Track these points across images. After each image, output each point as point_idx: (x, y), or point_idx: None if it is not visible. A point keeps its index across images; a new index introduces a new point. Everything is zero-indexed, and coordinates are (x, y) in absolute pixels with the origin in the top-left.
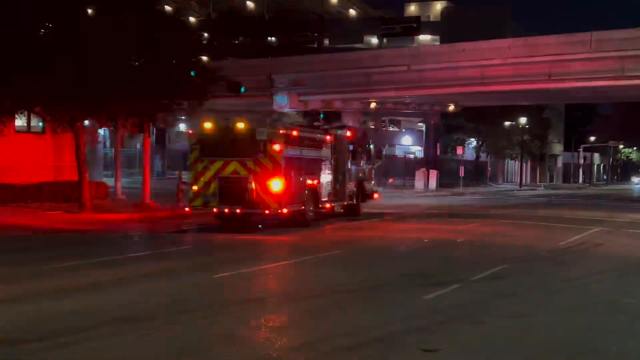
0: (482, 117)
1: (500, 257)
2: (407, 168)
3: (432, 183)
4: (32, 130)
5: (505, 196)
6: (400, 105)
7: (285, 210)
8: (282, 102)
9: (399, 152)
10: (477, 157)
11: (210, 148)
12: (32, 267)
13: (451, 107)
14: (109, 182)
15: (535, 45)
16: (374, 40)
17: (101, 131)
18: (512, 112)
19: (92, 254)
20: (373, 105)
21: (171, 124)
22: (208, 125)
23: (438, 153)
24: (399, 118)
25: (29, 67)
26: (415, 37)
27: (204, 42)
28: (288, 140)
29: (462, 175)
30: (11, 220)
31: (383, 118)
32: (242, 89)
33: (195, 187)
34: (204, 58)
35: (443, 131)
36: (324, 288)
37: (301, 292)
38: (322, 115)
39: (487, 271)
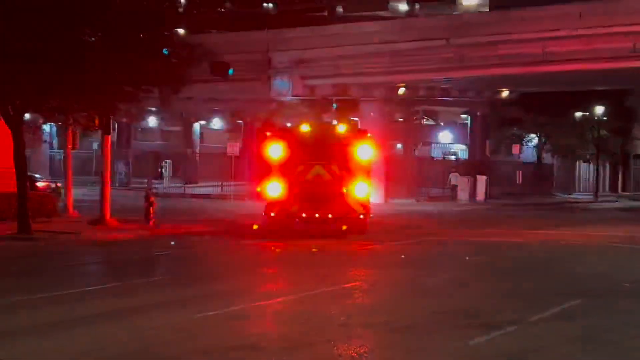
0: (544, 106)
1: (568, 289)
2: (447, 173)
3: (480, 192)
4: None
5: (573, 209)
6: (437, 91)
7: (371, 216)
8: (283, 88)
9: (436, 152)
10: (539, 158)
11: (291, 151)
12: None
13: (504, 94)
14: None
15: (615, 11)
16: (403, 7)
17: (46, 127)
18: (585, 100)
19: (36, 287)
20: (401, 91)
21: (137, 118)
22: (288, 126)
23: (487, 153)
24: (436, 108)
25: None
26: (457, 2)
27: (180, 10)
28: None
29: (520, 181)
30: None
31: (415, 108)
32: (231, 72)
33: (274, 194)
34: (181, 31)
35: (494, 125)
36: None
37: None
38: (335, 105)
39: (551, 308)
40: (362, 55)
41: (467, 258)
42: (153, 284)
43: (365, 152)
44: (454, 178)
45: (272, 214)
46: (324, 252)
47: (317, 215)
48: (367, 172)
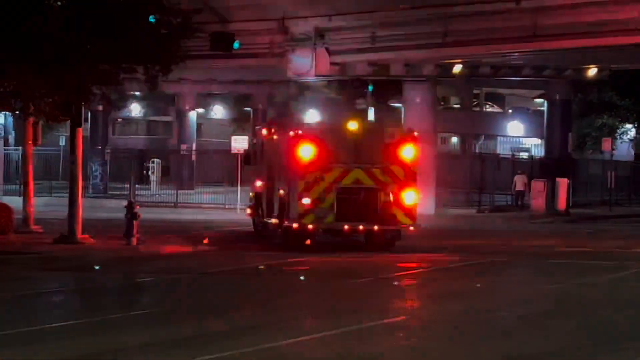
0: None
1: None
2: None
3: (561, 200)
4: None
5: None
6: (503, 69)
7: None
8: (304, 65)
9: (503, 147)
10: (638, 156)
11: (325, 153)
12: None
13: (591, 72)
14: (15, 202)
15: None
16: None
17: (0, 118)
18: None
19: None
20: (457, 69)
21: (116, 105)
22: (322, 124)
23: (570, 149)
24: (503, 91)
25: None
26: None
27: None
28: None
29: (612, 186)
30: None
31: (475, 90)
32: (236, 45)
33: (306, 201)
34: None
35: (578, 113)
36: None
37: None
38: (371, 88)
39: None
40: (406, 23)
41: (549, 286)
42: (135, 319)
43: (412, 153)
44: (520, 181)
45: (306, 225)
46: (360, 274)
47: (360, 227)
48: (414, 176)
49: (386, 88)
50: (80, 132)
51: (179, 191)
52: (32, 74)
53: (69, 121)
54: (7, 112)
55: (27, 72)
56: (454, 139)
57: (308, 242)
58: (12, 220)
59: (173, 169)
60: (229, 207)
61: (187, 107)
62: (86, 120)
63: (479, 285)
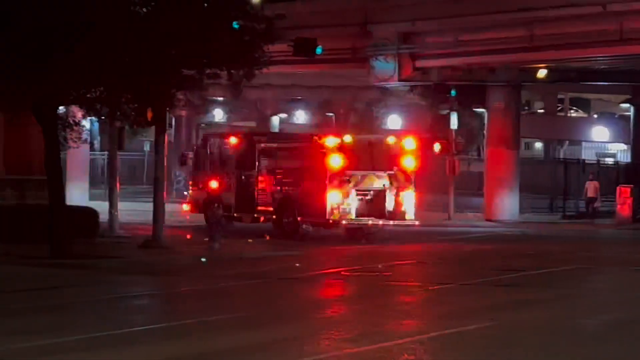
0: None
1: None
2: (606, 183)
3: None
4: None
5: None
6: (589, 74)
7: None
8: (387, 71)
9: (588, 152)
10: None
11: (348, 160)
12: None
13: None
14: (101, 207)
15: None
16: None
17: (86, 123)
18: None
19: (70, 325)
20: (542, 74)
21: (200, 110)
22: (347, 138)
23: None
24: (588, 96)
25: None
26: None
27: None
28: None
29: None
30: None
31: (560, 95)
32: (319, 50)
33: (335, 202)
34: (255, 0)
35: None
36: None
37: None
38: (454, 93)
39: None
40: (490, 27)
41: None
42: (212, 324)
43: (410, 162)
44: (592, 188)
45: (335, 220)
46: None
47: (380, 222)
48: (412, 180)
49: (469, 93)
50: (165, 138)
51: None
52: (117, 80)
53: (153, 126)
54: (93, 118)
55: (112, 78)
56: (538, 144)
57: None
58: (98, 224)
59: None
60: None
61: (269, 112)
62: (170, 125)
63: (563, 291)
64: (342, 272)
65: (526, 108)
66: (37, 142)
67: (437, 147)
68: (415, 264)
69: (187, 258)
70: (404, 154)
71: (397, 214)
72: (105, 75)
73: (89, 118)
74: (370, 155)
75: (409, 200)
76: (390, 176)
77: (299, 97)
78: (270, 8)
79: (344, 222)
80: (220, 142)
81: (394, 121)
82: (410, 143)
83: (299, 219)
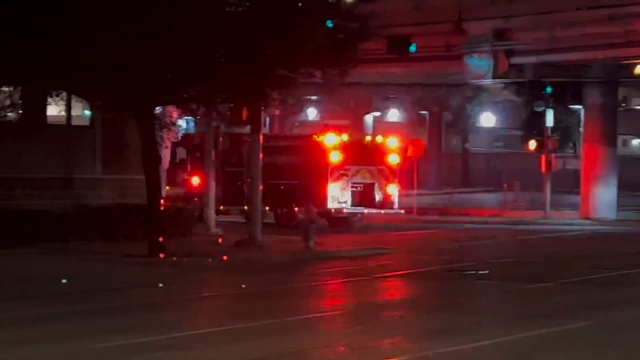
0: None
1: None
2: None
3: None
4: (72, 121)
5: None
6: None
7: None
8: (481, 68)
9: None
10: None
11: (344, 157)
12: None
13: None
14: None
15: None
16: None
17: (182, 123)
18: None
19: (168, 323)
20: (639, 69)
21: (294, 109)
22: (344, 137)
23: None
24: None
25: (70, 24)
26: None
27: None
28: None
29: None
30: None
31: None
32: (412, 48)
33: (335, 193)
34: None
35: None
36: None
37: None
38: (549, 90)
39: None
40: (585, 23)
41: None
42: (313, 320)
43: (394, 158)
44: None
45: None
46: (540, 278)
47: (373, 210)
48: (396, 175)
49: (565, 90)
50: (260, 137)
51: None
52: (213, 80)
53: (248, 125)
54: (189, 118)
55: (208, 78)
56: (635, 142)
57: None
58: (194, 223)
59: None
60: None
61: (362, 111)
62: (264, 124)
63: None
64: (432, 270)
65: (623, 105)
66: (135, 142)
67: (532, 144)
68: (511, 263)
69: (282, 256)
70: (389, 152)
71: (386, 204)
72: (201, 76)
73: (184, 118)
74: (362, 153)
75: (394, 192)
76: (378, 171)
77: (393, 95)
78: (363, 7)
79: (345, 210)
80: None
81: (488, 118)
82: (394, 142)
83: (295, 209)
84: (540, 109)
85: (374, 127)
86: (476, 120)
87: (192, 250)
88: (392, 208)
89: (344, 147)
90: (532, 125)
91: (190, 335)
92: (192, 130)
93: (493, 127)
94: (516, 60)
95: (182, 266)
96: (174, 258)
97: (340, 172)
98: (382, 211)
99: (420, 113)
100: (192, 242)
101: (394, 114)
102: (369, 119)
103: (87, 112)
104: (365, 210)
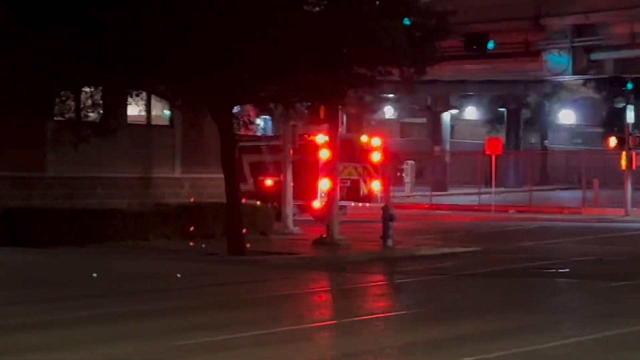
0: None
1: None
2: None
3: None
4: (152, 121)
5: None
6: None
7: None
8: (559, 65)
9: None
10: None
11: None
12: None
13: None
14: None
15: None
16: None
17: (260, 121)
18: None
19: (248, 322)
20: None
21: (371, 108)
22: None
23: None
24: None
25: (151, 25)
26: None
27: None
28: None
29: None
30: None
31: None
32: (490, 45)
33: (324, 187)
34: None
35: None
36: None
37: None
38: (629, 86)
39: None
40: None
41: None
42: (395, 320)
43: (376, 157)
44: None
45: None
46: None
47: (353, 204)
48: (378, 171)
49: None
50: (336, 135)
51: (433, 193)
52: (290, 79)
53: (326, 124)
54: (267, 116)
55: (285, 77)
56: None
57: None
58: (273, 221)
59: (427, 171)
60: (483, 209)
61: (440, 109)
62: (342, 123)
63: None
64: (513, 269)
65: None
66: (213, 141)
67: (612, 141)
68: (592, 261)
69: (360, 255)
70: (372, 150)
71: (370, 198)
72: (279, 75)
73: (262, 117)
74: (349, 151)
75: (376, 187)
76: (363, 167)
77: (470, 93)
78: (441, 4)
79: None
80: None
81: (567, 115)
82: (376, 141)
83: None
84: (620, 106)
85: (452, 125)
86: (555, 118)
87: (271, 249)
88: (376, 202)
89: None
90: (612, 122)
91: (272, 332)
92: (270, 129)
93: (572, 124)
94: (596, 56)
95: (262, 264)
96: (254, 256)
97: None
98: (368, 204)
99: (498, 110)
100: (271, 240)
101: (471, 112)
102: (446, 116)
103: (167, 112)
104: (352, 204)
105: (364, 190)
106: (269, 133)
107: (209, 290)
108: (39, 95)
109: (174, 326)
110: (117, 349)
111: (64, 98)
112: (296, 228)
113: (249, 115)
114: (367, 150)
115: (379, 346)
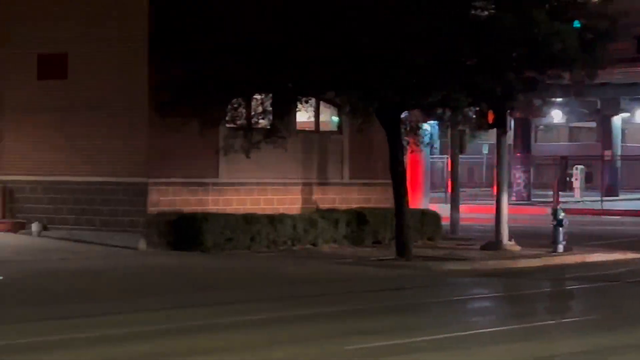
0: None
1: None
2: None
3: None
4: (320, 127)
5: None
6: None
7: None
8: None
9: None
10: None
11: None
12: None
13: None
14: (440, 209)
15: None
16: None
17: (428, 127)
18: None
19: (413, 326)
20: None
21: (539, 112)
22: None
23: None
24: None
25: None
26: None
27: None
28: None
29: None
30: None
31: None
32: None
33: None
34: None
35: None
36: None
37: None
38: None
39: None
40: None
41: None
42: (565, 326)
43: None
44: None
45: None
46: None
47: None
48: None
49: None
50: (505, 140)
51: (604, 198)
52: (459, 84)
53: (493, 129)
54: (434, 122)
55: (454, 82)
56: None
57: None
58: (441, 227)
59: (596, 175)
60: None
61: (610, 112)
62: (510, 127)
63: None
64: None
65: None
66: (381, 147)
67: None
68: None
69: (529, 260)
70: None
71: None
72: (448, 79)
73: (429, 122)
74: None
75: None
76: None
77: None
78: (611, 6)
79: None
80: None
81: None
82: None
83: None
84: None
85: (623, 129)
86: None
87: (440, 254)
88: None
89: None
90: None
91: (445, 338)
92: (436, 135)
93: None
94: None
95: (428, 269)
96: (423, 262)
97: None
98: None
99: None
100: (439, 245)
101: None
102: (617, 120)
103: (335, 118)
104: None
105: None
106: (436, 138)
107: (376, 295)
108: (214, 103)
109: (343, 329)
110: (288, 352)
111: (235, 105)
112: (464, 233)
113: (417, 120)
114: None
115: (550, 352)
